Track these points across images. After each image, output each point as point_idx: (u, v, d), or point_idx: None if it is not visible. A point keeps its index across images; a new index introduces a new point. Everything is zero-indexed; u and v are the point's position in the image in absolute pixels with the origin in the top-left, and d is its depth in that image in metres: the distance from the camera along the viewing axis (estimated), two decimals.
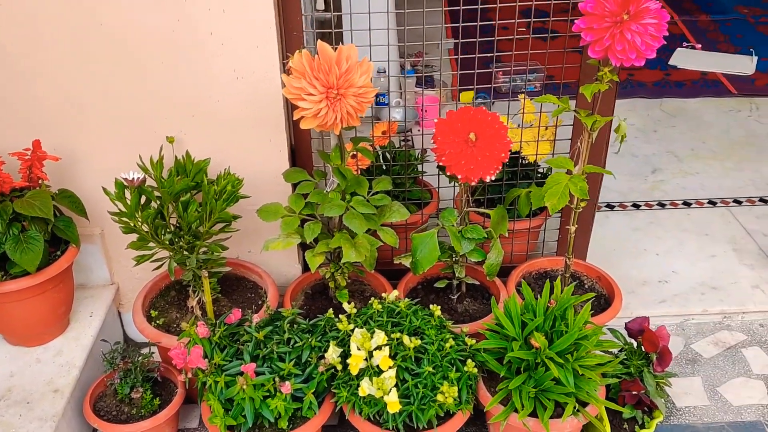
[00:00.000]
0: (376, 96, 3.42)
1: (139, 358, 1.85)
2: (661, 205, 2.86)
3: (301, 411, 1.73)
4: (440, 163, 1.85)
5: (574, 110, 1.94)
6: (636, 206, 2.86)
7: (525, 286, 1.88)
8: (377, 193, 2.02)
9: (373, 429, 1.72)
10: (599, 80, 1.87)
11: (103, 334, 2.09)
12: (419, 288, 2.23)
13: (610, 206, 2.86)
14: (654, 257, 2.58)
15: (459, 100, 3.31)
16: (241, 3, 1.87)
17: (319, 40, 1.62)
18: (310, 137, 2.13)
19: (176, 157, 1.97)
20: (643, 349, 1.90)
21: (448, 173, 1.86)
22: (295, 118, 1.69)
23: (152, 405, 1.86)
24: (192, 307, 2.01)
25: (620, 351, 1.96)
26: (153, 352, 1.92)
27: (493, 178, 1.86)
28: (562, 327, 1.72)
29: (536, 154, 2.24)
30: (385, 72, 3.34)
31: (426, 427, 1.70)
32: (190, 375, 1.78)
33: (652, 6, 1.76)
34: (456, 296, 2.17)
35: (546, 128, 2.27)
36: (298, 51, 1.64)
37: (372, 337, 1.65)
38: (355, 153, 2.19)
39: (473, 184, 1.89)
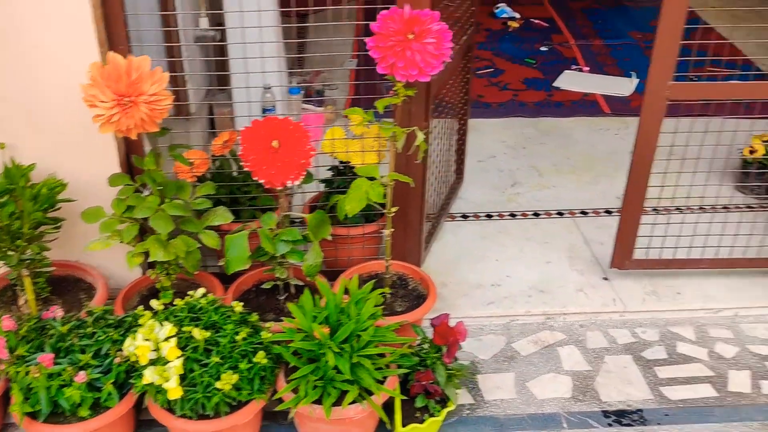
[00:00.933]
0: (264, 111, 3.58)
1: None
2: (513, 215, 3.03)
3: (102, 400, 1.83)
4: (246, 169, 1.99)
5: (378, 122, 2.10)
6: (489, 216, 3.02)
7: (320, 283, 2.01)
8: (200, 197, 2.15)
9: (166, 416, 1.83)
10: (397, 94, 2.03)
11: None
12: (252, 289, 2.35)
13: (465, 216, 3.02)
14: (494, 263, 2.74)
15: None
16: (65, 18, 2.00)
17: (110, 51, 1.75)
18: (142, 145, 2.25)
19: (5, 164, 2.08)
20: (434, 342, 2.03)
21: (253, 178, 2.00)
22: (94, 123, 1.81)
23: None
24: (20, 305, 2.11)
25: (419, 345, 2.09)
26: None
27: (297, 182, 2.00)
28: (344, 319, 1.85)
29: (363, 164, 2.38)
30: (271, 87, 3.48)
31: (215, 415, 1.81)
32: (2, 367, 1.88)
33: (435, 27, 1.93)
34: (284, 297, 2.29)
35: (375, 139, 2.42)
36: (93, 62, 1.77)
37: (160, 330, 1.77)
38: (192, 160, 2.33)
39: (278, 188, 2.02)
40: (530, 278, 2.66)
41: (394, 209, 2.18)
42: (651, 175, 2.42)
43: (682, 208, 2.89)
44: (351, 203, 2.00)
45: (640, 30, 5.08)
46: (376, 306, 2.15)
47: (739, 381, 2.26)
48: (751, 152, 3.01)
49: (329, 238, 2.19)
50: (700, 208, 2.93)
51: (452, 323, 2.09)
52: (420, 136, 2.05)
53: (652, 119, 2.31)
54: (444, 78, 2.53)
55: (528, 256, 2.77)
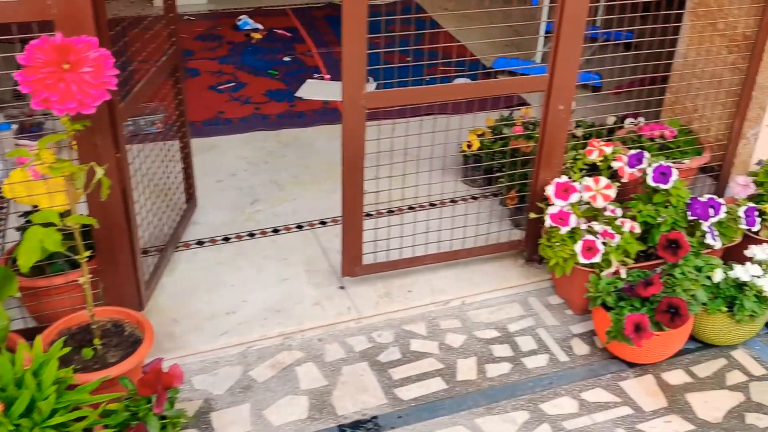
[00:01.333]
0: None
1: None
2: (251, 235, 2.94)
3: None
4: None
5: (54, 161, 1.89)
6: (227, 239, 2.91)
7: None
8: None
9: None
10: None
11: None
12: None
13: (200, 243, 2.88)
14: (230, 289, 2.63)
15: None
16: None
17: None
18: None
19: None
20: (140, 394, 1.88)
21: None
22: None
23: None
24: None
25: (130, 397, 1.93)
26: None
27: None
28: (20, 391, 1.64)
29: (50, 207, 2.15)
30: None
31: None
32: None
33: (92, 55, 1.76)
34: None
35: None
36: None
37: None
38: None
39: None
40: (267, 299, 2.58)
41: (86, 254, 1.98)
42: (372, 180, 2.45)
43: (415, 206, 2.99)
44: (25, 255, 1.79)
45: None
46: (82, 359, 1.97)
47: (466, 369, 2.36)
48: (469, 146, 3.19)
49: (17, 294, 1.95)
50: (431, 205, 3.05)
51: (180, 363, 1.96)
52: (99, 171, 1.88)
53: (354, 128, 2.33)
54: (141, 102, 2.37)
55: (265, 276, 2.70)
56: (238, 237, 2.93)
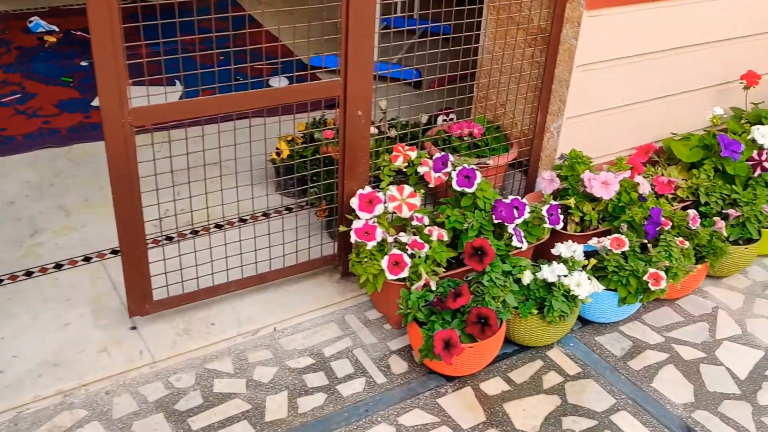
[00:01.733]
0: None
1: None
2: (29, 274, 2.55)
3: None
4: None
5: None
6: None
7: None
8: None
9: None
10: None
11: None
12: None
13: None
14: None
15: None
16: None
17: None
18: None
19: None
20: None
21: None
22: None
23: None
24: None
25: None
26: None
27: None
28: None
29: None
30: None
31: None
32: None
33: None
34: None
35: None
36: None
37: None
38: None
39: None
40: (43, 351, 2.23)
41: None
42: (158, 203, 2.16)
43: (223, 224, 2.73)
44: None
45: (194, 33, 4.88)
46: None
47: (276, 407, 2.15)
48: (278, 154, 2.97)
49: None
50: (241, 221, 2.80)
51: None
52: None
53: (121, 149, 2.04)
54: None
55: (42, 323, 2.34)
56: (13, 278, 2.53)
